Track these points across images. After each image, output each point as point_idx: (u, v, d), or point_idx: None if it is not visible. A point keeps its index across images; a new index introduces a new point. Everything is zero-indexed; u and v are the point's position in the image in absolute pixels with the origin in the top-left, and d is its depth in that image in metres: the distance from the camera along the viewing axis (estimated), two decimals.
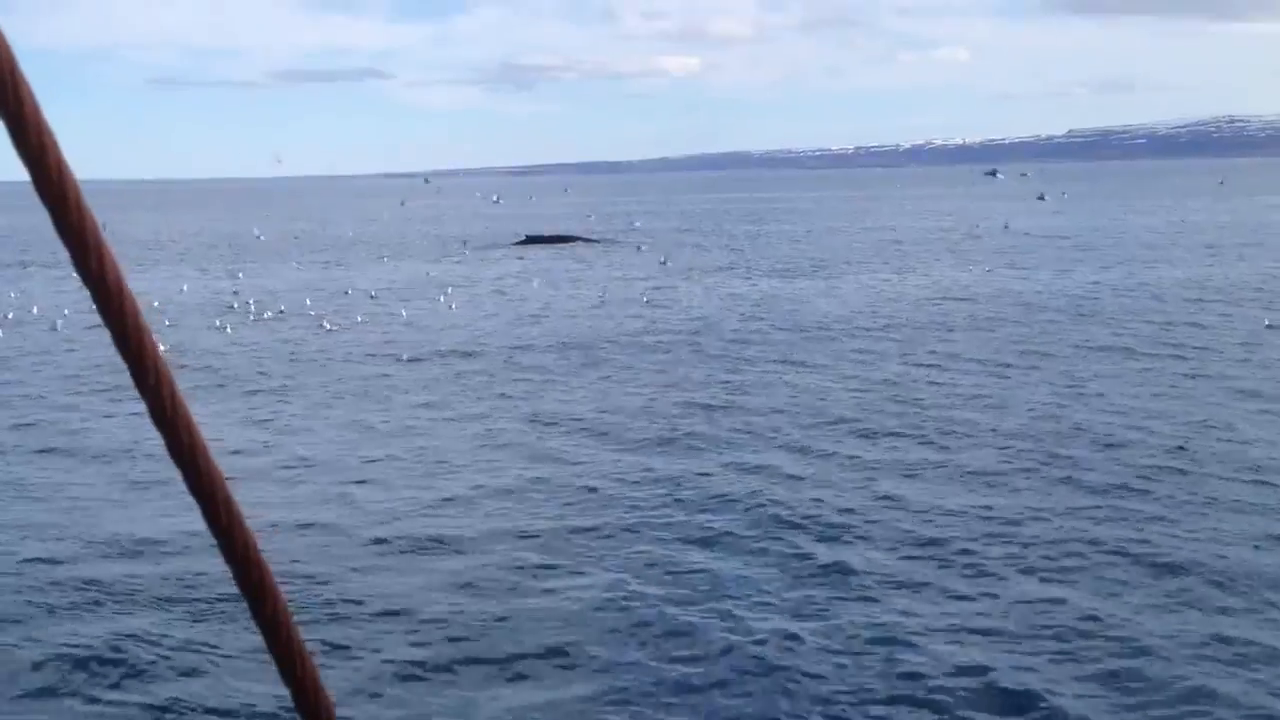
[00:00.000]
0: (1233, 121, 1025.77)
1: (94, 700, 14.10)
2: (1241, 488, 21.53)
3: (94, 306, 1.38)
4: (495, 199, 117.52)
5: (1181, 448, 24.37)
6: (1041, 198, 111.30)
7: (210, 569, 16.87)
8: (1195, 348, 36.49)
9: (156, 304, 51.51)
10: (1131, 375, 32.69)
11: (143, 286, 59.14)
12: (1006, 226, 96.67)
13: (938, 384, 32.02)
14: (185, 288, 58.94)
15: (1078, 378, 32.35)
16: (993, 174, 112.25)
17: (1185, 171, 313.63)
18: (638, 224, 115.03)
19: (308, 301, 52.12)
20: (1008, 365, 34.52)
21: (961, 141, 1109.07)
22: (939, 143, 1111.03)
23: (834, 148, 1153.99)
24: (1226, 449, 24.35)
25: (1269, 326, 39.33)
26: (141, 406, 1.44)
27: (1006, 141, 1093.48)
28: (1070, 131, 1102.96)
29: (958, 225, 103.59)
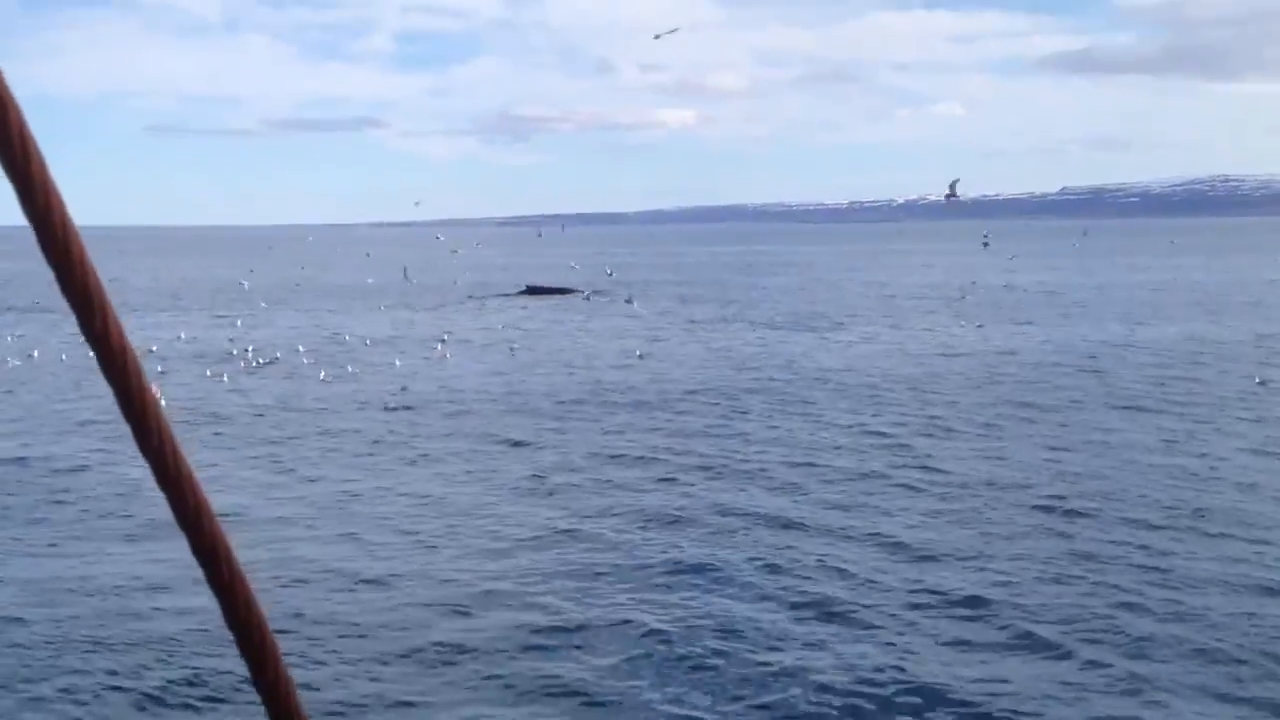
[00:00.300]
0: (1227, 181, 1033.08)
1: None
2: (1241, 544, 21.97)
3: (98, 365, 1.37)
4: (453, 250, 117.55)
5: (1178, 501, 24.82)
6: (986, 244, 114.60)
7: (209, 629, 16.95)
8: (1190, 404, 37.06)
9: (155, 349, 51.93)
10: (1128, 429, 33.16)
11: (142, 333, 59.57)
12: (974, 283, 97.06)
13: (934, 437, 32.41)
14: (183, 334, 59.29)
15: (1073, 433, 32.81)
16: (986, 244, 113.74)
17: (1176, 230, 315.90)
18: (633, 276, 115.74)
19: (301, 349, 52.51)
20: (1003, 418, 34.96)
21: (957, 198, 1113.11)
22: (933, 198, 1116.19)
23: (829, 202, 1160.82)
24: (1224, 502, 24.81)
25: (1260, 383, 39.95)
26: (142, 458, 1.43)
27: (1000, 198, 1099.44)
28: (1064, 189, 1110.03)
29: (949, 280, 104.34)
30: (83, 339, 1.36)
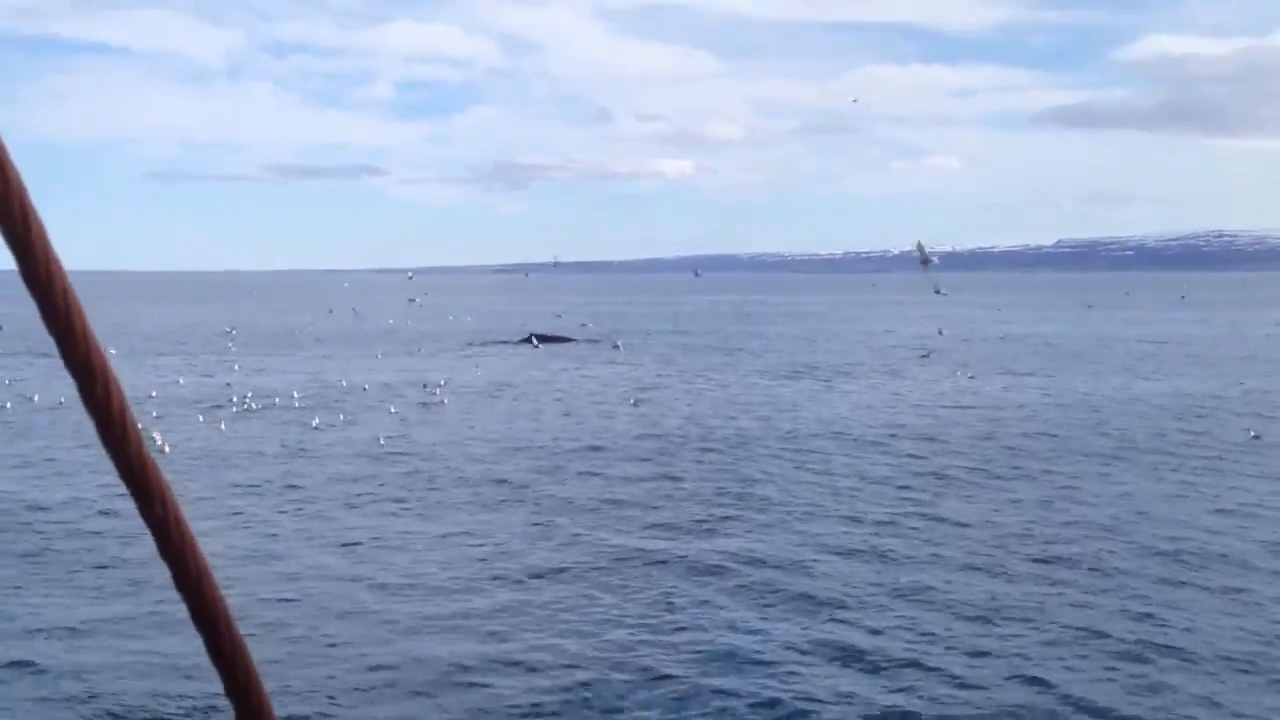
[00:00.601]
0: (1221, 236, 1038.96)
1: None
2: (1236, 595, 22.26)
3: (97, 435, 1.34)
4: (413, 299, 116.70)
5: (1174, 551, 25.14)
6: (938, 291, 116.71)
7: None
8: (1187, 456, 37.46)
9: (154, 394, 52.20)
10: (1126, 480, 33.50)
11: (144, 378, 59.89)
12: (940, 332, 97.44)
13: (931, 486, 32.71)
14: (182, 380, 59.49)
15: (1070, 483, 33.15)
16: (939, 293, 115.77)
17: (1173, 284, 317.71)
18: (628, 324, 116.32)
19: (298, 395, 52.75)
20: (998, 468, 35.27)
21: (951, 249, 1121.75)
22: (929, 249, 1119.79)
23: (823, 252, 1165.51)
24: (1220, 552, 25.12)
25: (1255, 437, 40.36)
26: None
27: (996, 250, 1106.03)
28: (1059, 241, 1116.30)
29: (946, 331, 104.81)
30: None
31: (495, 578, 23.84)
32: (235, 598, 22.35)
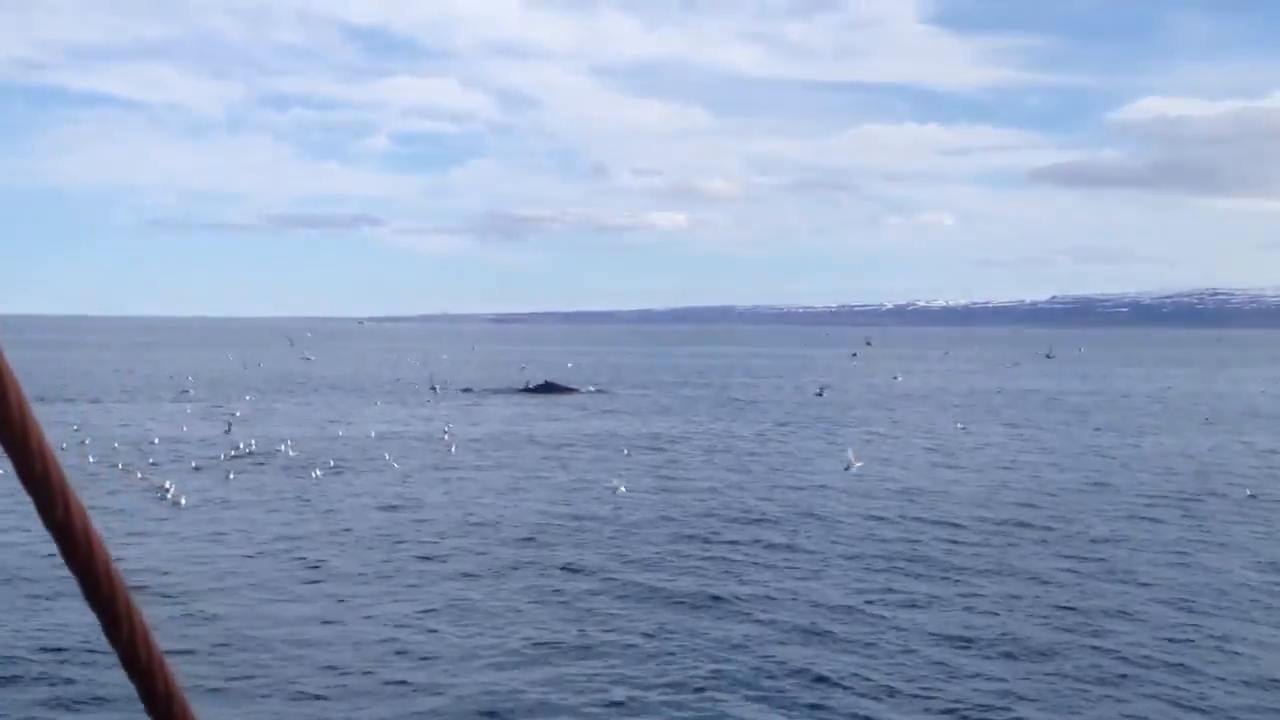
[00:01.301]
0: (1216, 294, 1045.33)
1: None
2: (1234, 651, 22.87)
3: (59, 552, 1.34)
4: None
5: (1172, 610, 25.75)
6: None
7: None
8: (1185, 513, 38.12)
9: (156, 441, 52.77)
10: (1125, 536, 34.07)
11: (146, 423, 60.37)
12: (896, 377, 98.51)
13: (933, 539, 33.31)
14: (186, 428, 59.93)
15: (1066, 538, 33.72)
16: (868, 343, 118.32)
17: (1168, 341, 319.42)
18: (625, 375, 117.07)
19: (302, 444, 53.28)
20: (995, 522, 35.86)
21: (945, 303, 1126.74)
22: (922, 304, 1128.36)
23: (818, 305, 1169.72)
24: (1219, 615, 25.72)
25: (1251, 496, 40.96)
26: None
27: (991, 305, 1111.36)
28: (1054, 297, 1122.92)
29: (948, 386, 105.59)
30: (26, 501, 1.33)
31: (502, 637, 24.28)
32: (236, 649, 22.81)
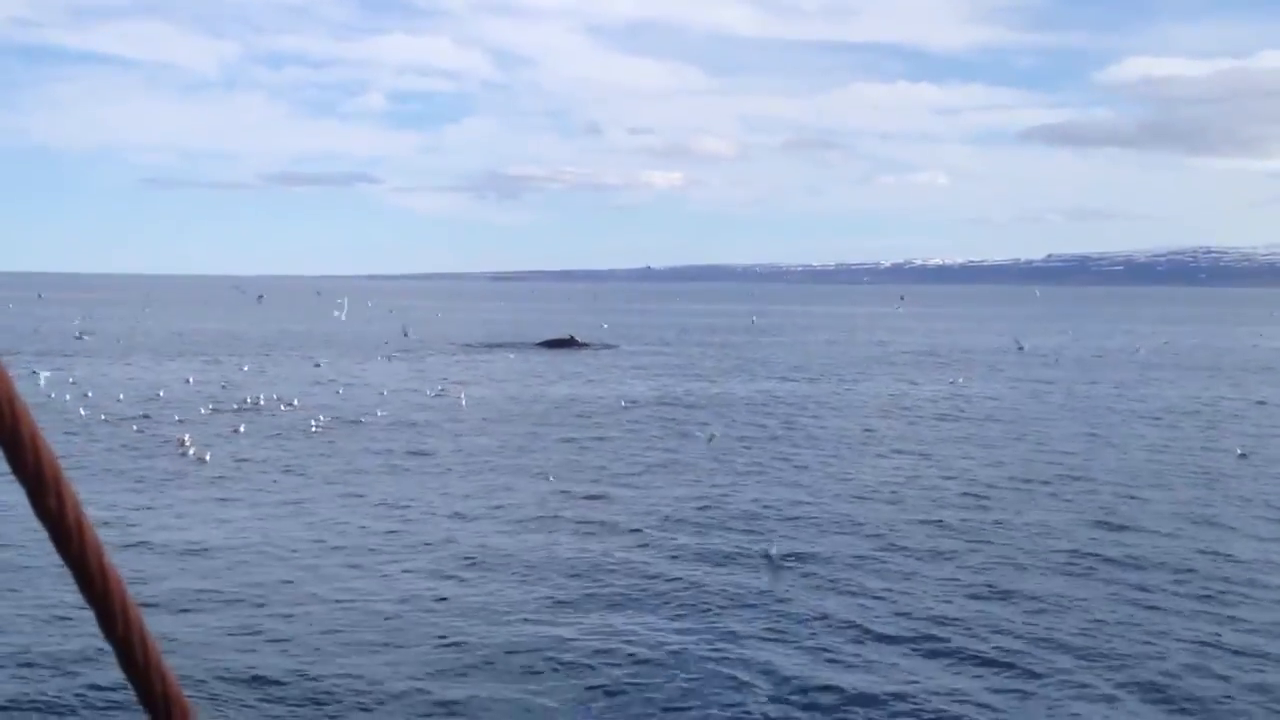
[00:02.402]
0: (1209, 252, 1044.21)
1: None
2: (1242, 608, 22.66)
3: (53, 545, 1.30)
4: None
5: (1160, 563, 25.55)
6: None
7: None
8: (1178, 468, 37.88)
9: (162, 393, 52.40)
10: (1119, 490, 33.87)
11: (156, 377, 60.04)
12: (971, 347, 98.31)
13: (932, 488, 33.13)
14: (191, 383, 59.53)
15: (1054, 495, 33.53)
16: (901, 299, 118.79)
17: (1164, 299, 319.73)
18: (634, 331, 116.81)
19: (315, 398, 52.98)
20: (988, 472, 35.66)
21: (941, 262, 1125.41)
22: (919, 262, 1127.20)
23: (816, 263, 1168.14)
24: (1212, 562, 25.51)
25: (1241, 455, 40.56)
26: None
27: (987, 263, 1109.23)
28: (1050, 256, 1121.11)
29: (954, 342, 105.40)
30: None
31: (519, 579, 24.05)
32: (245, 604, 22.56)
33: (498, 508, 30.65)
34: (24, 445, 1.33)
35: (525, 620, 21.13)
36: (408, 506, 30.77)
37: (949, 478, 35.85)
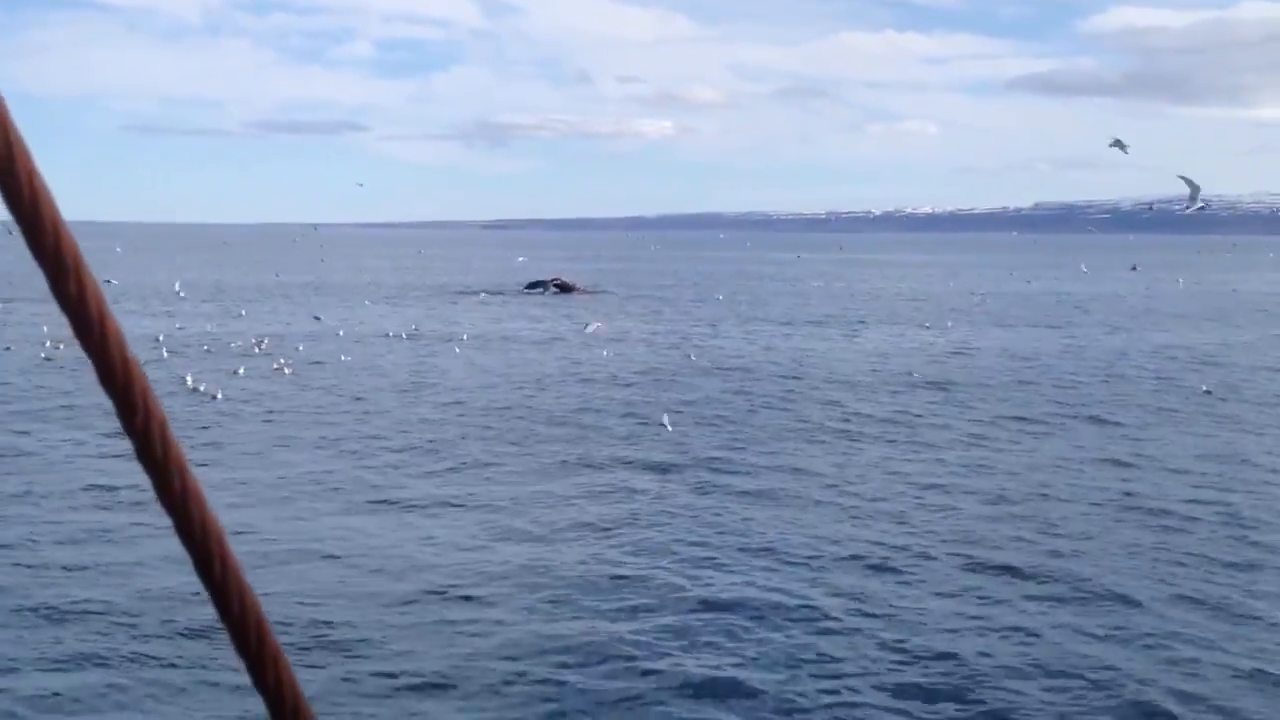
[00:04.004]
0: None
1: None
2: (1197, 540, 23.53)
3: (96, 378, 1.26)
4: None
5: (1128, 494, 26.44)
6: None
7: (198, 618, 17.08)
8: (1143, 410, 38.71)
9: (160, 338, 52.60)
10: (1086, 433, 34.65)
11: (154, 327, 60.52)
12: (973, 291, 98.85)
13: (906, 425, 33.92)
14: (189, 328, 59.96)
15: (1031, 433, 34.35)
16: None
17: (1151, 246, 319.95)
18: (621, 276, 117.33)
19: (309, 343, 53.59)
20: (961, 412, 36.47)
21: (931, 210, 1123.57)
22: (909, 210, 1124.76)
23: (807, 212, 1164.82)
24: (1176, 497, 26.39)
25: (1206, 391, 41.43)
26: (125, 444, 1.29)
27: (976, 211, 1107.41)
28: (1037, 204, 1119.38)
29: (957, 289, 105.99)
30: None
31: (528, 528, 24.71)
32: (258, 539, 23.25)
33: (489, 431, 31.35)
34: (113, 357, 1.27)
35: (526, 544, 21.89)
36: (428, 444, 31.44)
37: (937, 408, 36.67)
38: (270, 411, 35.46)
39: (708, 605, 18.58)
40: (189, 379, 38.82)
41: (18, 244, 1.19)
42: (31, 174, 1.16)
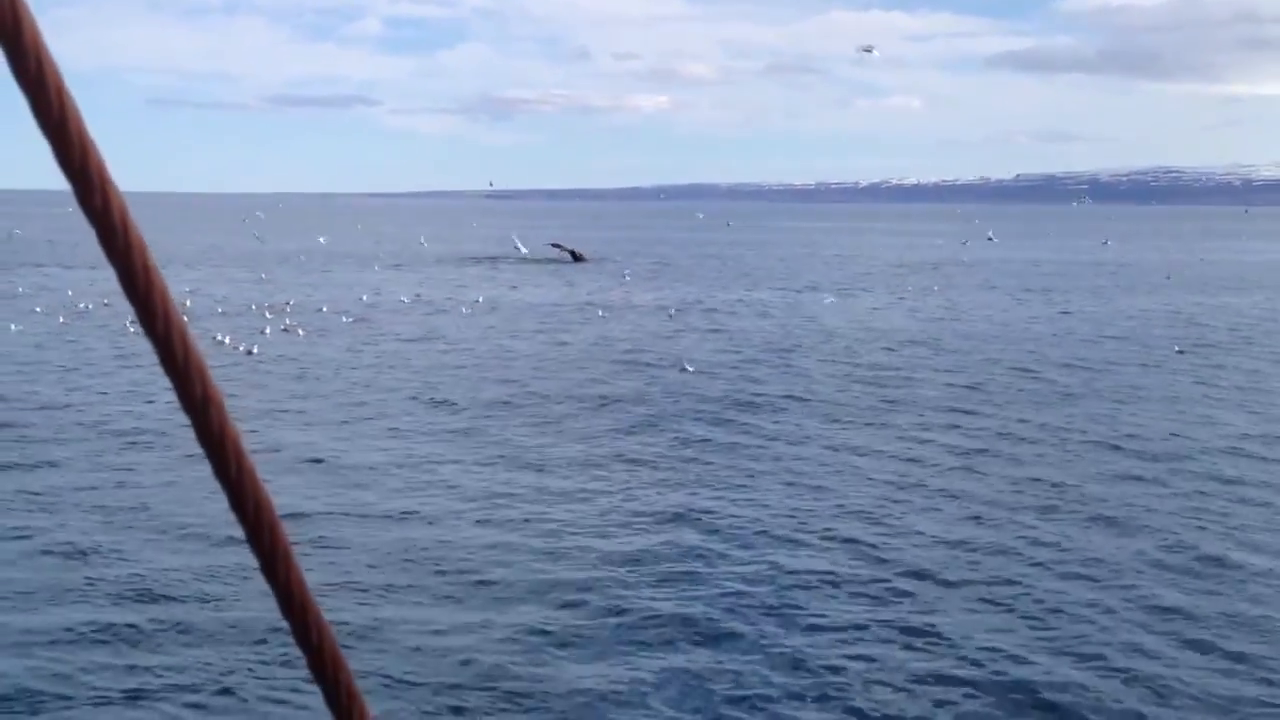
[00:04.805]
0: (1169, 172, 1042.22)
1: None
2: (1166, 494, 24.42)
3: (121, 287, 1.20)
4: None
5: (1116, 446, 27.30)
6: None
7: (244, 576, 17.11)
8: (1119, 365, 39.80)
9: (188, 304, 52.97)
10: (1059, 391, 35.40)
11: (177, 287, 61.05)
12: (965, 258, 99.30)
13: (885, 387, 34.71)
14: (217, 291, 60.46)
15: (1012, 394, 34.97)
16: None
17: (1129, 216, 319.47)
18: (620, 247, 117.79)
19: (328, 309, 54.20)
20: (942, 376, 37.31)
21: (916, 182, 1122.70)
22: (895, 182, 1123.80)
23: (797, 183, 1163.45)
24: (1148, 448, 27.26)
25: (1179, 351, 42.57)
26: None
27: (959, 183, 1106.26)
28: (1018, 176, 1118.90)
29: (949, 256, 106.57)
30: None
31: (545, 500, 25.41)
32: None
33: (509, 391, 32.11)
34: (213, 436, 1.27)
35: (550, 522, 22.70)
36: (452, 404, 32.18)
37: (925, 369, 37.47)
38: (306, 369, 36.06)
39: (762, 583, 18.48)
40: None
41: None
42: (82, 133, 1.16)
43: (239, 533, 1.33)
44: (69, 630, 15.43)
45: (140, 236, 1.20)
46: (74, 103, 1.14)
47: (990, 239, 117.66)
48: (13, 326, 43.41)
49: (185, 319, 1.23)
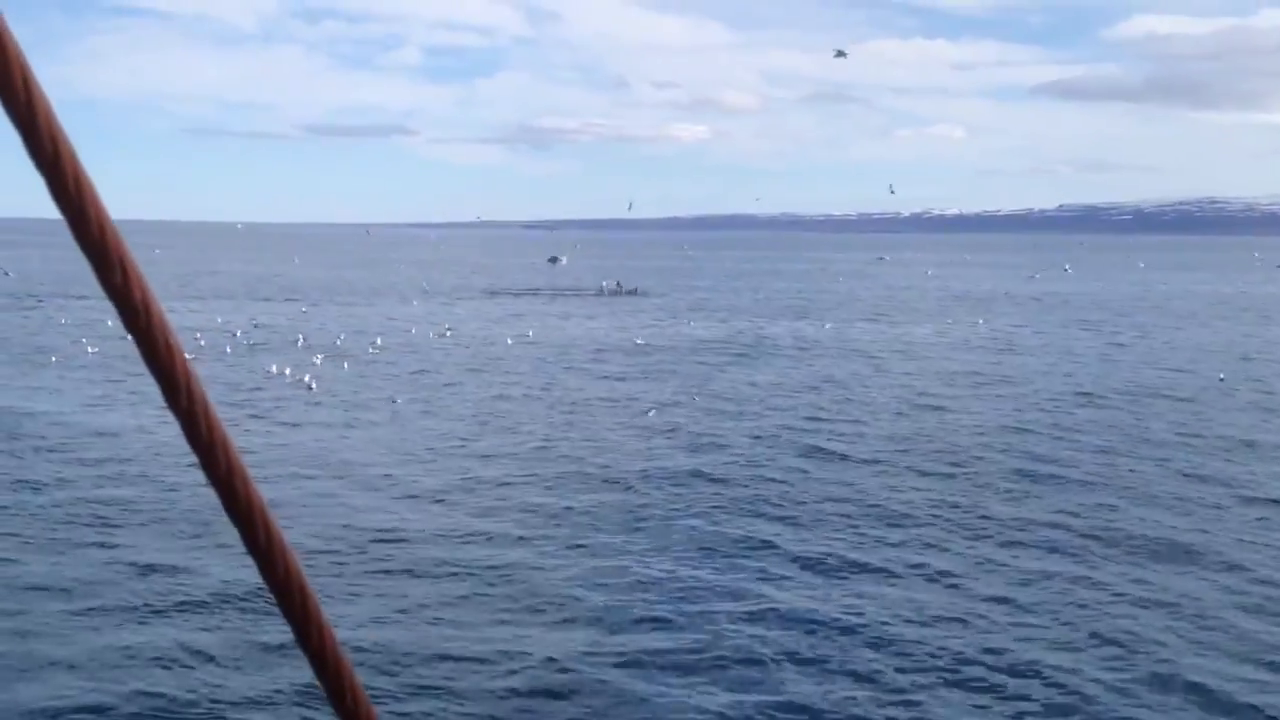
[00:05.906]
0: (1214, 202, 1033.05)
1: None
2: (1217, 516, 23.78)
3: (142, 360, 1.23)
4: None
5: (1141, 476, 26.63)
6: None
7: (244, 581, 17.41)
8: (1164, 397, 39.80)
9: (238, 334, 53.31)
10: (1107, 414, 35.63)
11: (207, 320, 61.34)
12: (1006, 292, 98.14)
13: (918, 413, 34.14)
14: (264, 321, 60.63)
15: (1056, 417, 35.02)
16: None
17: (1175, 247, 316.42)
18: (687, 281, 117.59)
19: (374, 342, 54.14)
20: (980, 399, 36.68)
21: (958, 212, 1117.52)
22: (936, 212, 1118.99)
23: (837, 213, 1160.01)
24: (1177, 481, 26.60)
25: (1221, 379, 43.24)
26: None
27: (1001, 213, 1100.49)
28: (1061, 206, 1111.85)
29: (984, 289, 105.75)
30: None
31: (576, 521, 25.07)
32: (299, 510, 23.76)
33: (569, 422, 31.85)
34: (215, 449, 1.29)
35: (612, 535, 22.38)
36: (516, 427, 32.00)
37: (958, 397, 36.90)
38: (358, 396, 36.01)
39: (781, 616, 18.09)
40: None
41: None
42: (78, 174, 1.17)
43: (237, 531, 1.34)
44: (74, 634, 15.90)
45: (138, 270, 1.21)
46: (67, 140, 1.13)
47: (1066, 270, 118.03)
48: (53, 358, 44.03)
49: (192, 353, 1.21)
